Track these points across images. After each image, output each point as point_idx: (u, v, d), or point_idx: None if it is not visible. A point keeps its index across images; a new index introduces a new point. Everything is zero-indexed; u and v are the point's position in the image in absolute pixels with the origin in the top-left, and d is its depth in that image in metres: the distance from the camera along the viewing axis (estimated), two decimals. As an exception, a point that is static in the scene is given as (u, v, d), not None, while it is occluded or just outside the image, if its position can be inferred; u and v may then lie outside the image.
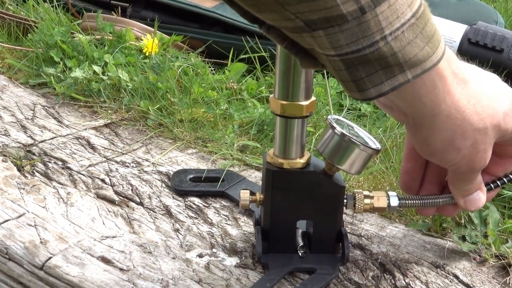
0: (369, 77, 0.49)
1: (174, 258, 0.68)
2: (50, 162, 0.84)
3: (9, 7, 1.31)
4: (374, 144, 0.63)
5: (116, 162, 0.86)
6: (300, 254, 0.67)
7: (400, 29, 0.47)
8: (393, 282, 0.66)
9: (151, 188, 0.80)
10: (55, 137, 0.91)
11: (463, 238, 0.72)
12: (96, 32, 1.16)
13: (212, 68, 1.17)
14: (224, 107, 1.01)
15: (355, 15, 0.45)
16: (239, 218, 0.75)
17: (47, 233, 0.70)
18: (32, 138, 0.90)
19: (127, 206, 0.77)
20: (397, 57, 0.48)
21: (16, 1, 1.32)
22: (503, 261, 0.69)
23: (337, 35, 0.46)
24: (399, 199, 0.67)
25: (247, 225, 0.74)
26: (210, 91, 1.05)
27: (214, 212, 0.76)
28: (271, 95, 0.62)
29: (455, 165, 0.59)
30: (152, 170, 0.84)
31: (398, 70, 0.49)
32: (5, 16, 1.20)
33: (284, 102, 0.61)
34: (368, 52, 0.47)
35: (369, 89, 0.49)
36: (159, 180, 0.82)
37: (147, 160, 0.87)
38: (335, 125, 0.62)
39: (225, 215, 0.76)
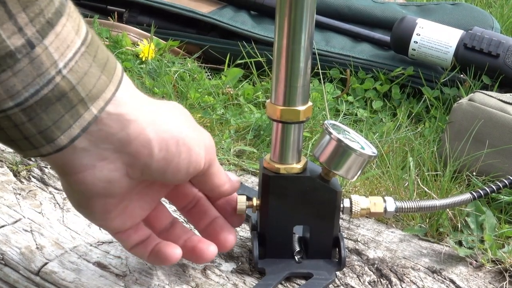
0: (56, 123, 0.46)
1: (170, 264, 0.68)
2: (46, 167, 0.84)
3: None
4: (371, 149, 0.63)
5: (113, 167, 0.86)
6: (296, 259, 0.67)
7: (73, 59, 0.45)
8: (389, 287, 0.66)
9: (148, 193, 0.80)
10: (51, 142, 0.91)
11: (460, 243, 0.72)
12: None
13: (209, 73, 1.17)
14: (221, 112, 1.01)
15: (24, 51, 0.42)
16: (235, 223, 0.75)
17: (43, 239, 0.70)
18: (28, 143, 0.90)
19: (124, 211, 0.77)
20: (78, 91, 0.46)
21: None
22: (499, 266, 0.69)
23: (12, 79, 0.42)
24: (395, 204, 0.68)
25: (244, 230, 0.74)
26: (206, 96, 1.06)
27: (211, 217, 0.76)
28: (268, 100, 0.63)
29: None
30: (149, 175, 0.84)
31: (83, 108, 0.47)
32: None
33: (281, 107, 0.61)
34: (47, 91, 0.44)
35: (59, 137, 0.46)
36: (155, 185, 0.82)
37: (143, 165, 0.87)
38: (331, 130, 0.62)
39: (222, 220, 0.76)
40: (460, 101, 0.92)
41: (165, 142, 0.53)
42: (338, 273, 0.67)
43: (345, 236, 0.74)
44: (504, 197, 0.79)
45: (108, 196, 0.53)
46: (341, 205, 0.66)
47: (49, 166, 0.84)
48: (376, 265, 0.69)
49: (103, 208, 0.55)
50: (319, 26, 1.24)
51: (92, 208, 0.54)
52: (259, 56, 1.16)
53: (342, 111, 1.09)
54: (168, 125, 0.53)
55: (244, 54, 1.18)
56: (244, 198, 0.67)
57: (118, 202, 0.55)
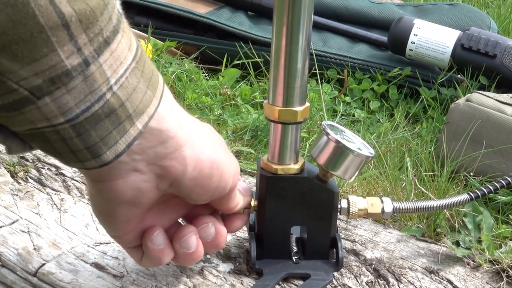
0: (104, 139, 0.46)
1: (168, 264, 0.68)
2: (43, 168, 0.84)
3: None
4: (368, 150, 0.63)
5: (110, 168, 0.86)
6: (294, 260, 0.67)
7: (124, 75, 0.45)
8: (387, 287, 0.66)
9: (145, 194, 0.80)
10: (49, 143, 0.90)
11: (457, 244, 0.72)
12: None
13: (206, 74, 1.17)
14: (218, 113, 1.01)
15: (80, 69, 0.42)
16: (233, 224, 0.75)
17: (41, 240, 0.70)
18: (26, 144, 0.89)
19: (121, 212, 0.77)
20: (126, 107, 0.46)
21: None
22: (497, 266, 0.69)
23: (65, 97, 0.43)
24: (393, 205, 0.68)
25: (241, 231, 0.74)
26: (204, 97, 1.05)
27: (208, 218, 0.76)
28: (265, 101, 0.63)
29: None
30: (146, 176, 0.84)
31: (129, 124, 0.47)
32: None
33: (278, 108, 0.61)
34: (98, 108, 0.44)
35: (105, 152, 0.47)
36: (153, 186, 0.82)
37: (141, 166, 0.87)
38: (329, 131, 0.62)
39: (219, 221, 0.76)
40: (457, 101, 0.92)
41: (200, 162, 0.53)
42: (335, 273, 0.67)
43: (342, 236, 0.74)
44: (502, 197, 0.80)
45: (134, 205, 0.53)
46: (339, 206, 0.66)
47: (46, 167, 0.84)
48: (373, 266, 0.69)
49: (126, 217, 0.55)
50: (317, 26, 1.25)
51: (116, 216, 0.54)
52: (257, 57, 1.16)
53: (340, 112, 1.09)
54: (204, 147, 0.54)
55: (242, 54, 1.18)
56: (241, 198, 0.66)
57: (140, 213, 0.55)
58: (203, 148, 0.53)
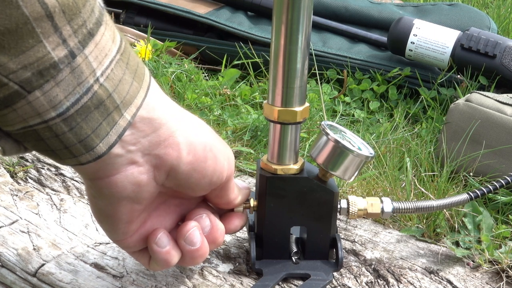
0: (95, 131, 0.47)
1: (167, 265, 0.68)
2: (43, 168, 0.84)
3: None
4: (368, 150, 0.63)
5: (110, 168, 0.86)
6: (294, 260, 0.67)
7: (110, 67, 0.46)
8: (386, 287, 0.67)
9: (145, 194, 0.80)
10: (48, 144, 0.90)
11: (457, 244, 0.72)
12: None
13: (206, 74, 1.17)
14: (218, 113, 1.01)
15: (66, 61, 0.43)
16: (233, 224, 0.75)
17: (40, 240, 0.70)
18: (25, 145, 0.89)
19: (121, 212, 0.77)
20: (114, 98, 0.47)
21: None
22: (496, 266, 0.69)
23: (55, 89, 0.43)
24: (392, 205, 0.68)
25: (241, 231, 0.74)
26: (203, 97, 1.05)
27: (208, 218, 0.76)
28: (265, 101, 0.63)
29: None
30: (146, 176, 0.84)
31: (118, 115, 0.48)
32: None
33: (278, 108, 0.61)
34: (87, 100, 0.45)
35: (98, 144, 0.47)
36: (152, 186, 0.82)
37: (140, 166, 0.86)
38: (328, 131, 0.62)
39: (219, 221, 0.76)
40: (457, 101, 0.92)
41: (193, 146, 0.54)
42: (335, 273, 0.67)
43: (342, 237, 0.74)
44: (501, 197, 0.80)
45: (135, 201, 0.54)
46: (338, 206, 0.66)
47: (46, 167, 0.84)
48: (373, 266, 0.69)
49: (128, 216, 0.55)
50: (316, 26, 1.25)
51: (117, 215, 0.54)
52: (256, 57, 1.16)
53: (339, 112, 1.09)
54: (195, 131, 0.55)
55: (241, 55, 1.18)
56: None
57: (141, 211, 0.56)
58: (195, 134, 0.54)
